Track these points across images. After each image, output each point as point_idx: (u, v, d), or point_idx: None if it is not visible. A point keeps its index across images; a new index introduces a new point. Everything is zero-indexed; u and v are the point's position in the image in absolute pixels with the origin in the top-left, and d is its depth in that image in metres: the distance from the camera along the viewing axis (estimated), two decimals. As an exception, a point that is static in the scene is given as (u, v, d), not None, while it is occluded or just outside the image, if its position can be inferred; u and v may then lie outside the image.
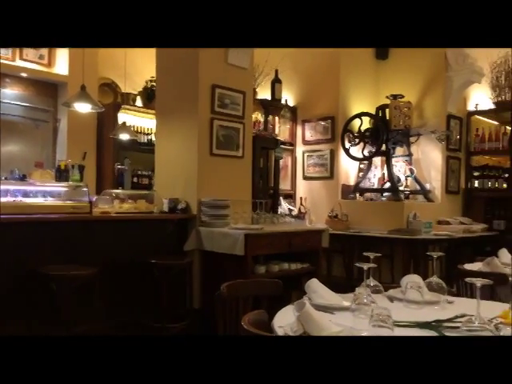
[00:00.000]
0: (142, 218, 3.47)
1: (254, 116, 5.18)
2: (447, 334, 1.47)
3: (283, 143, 5.37)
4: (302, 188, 5.71)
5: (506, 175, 5.30)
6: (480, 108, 5.60)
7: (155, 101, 4.28)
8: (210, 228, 3.55)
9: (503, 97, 5.40)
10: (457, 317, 1.59)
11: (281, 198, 5.32)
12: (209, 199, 3.62)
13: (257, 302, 2.16)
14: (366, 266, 1.66)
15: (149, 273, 3.26)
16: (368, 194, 5.28)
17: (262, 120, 5.23)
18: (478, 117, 5.66)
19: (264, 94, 5.23)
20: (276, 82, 5.18)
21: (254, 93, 4.98)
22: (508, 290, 2.42)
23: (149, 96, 5.60)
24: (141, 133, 5.61)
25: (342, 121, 5.30)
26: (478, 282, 1.33)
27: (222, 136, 3.79)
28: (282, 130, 5.60)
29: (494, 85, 5.43)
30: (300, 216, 5.29)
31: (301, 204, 5.45)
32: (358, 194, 5.31)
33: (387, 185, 5.14)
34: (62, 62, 5.43)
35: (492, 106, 5.50)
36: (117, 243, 3.28)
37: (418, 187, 5.17)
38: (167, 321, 3.21)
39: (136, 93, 5.80)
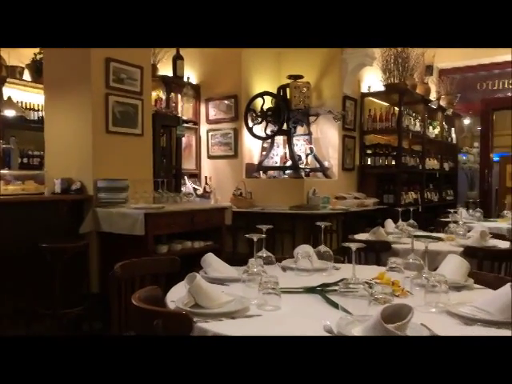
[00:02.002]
0: (31, 200, 3.22)
1: (155, 93, 5.03)
2: (330, 296, 1.57)
3: (186, 121, 5.30)
4: (207, 167, 5.70)
5: (395, 153, 5.75)
6: (372, 90, 5.99)
7: (43, 74, 3.96)
8: (108, 209, 3.40)
9: (392, 79, 5.81)
10: (340, 280, 1.70)
11: (186, 177, 5.27)
12: (105, 179, 3.46)
13: (156, 282, 2.12)
14: (255, 238, 1.71)
15: (41, 257, 3.06)
16: (271, 172, 5.43)
17: (163, 97, 5.09)
18: (370, 98, 6.05)
19: (165, 70, 5.08)
20: (177, 59, 5.07)
21: (155, 69, 4.82)
22: (390, 255, 2.64)
23: (38, 69, 5.14)
24: (30, 109, 5.16)
25: (245, 100, 5.35)
26: (353, 245, 1.43)
27: (118, 112, 3.62)
28: (185, 108, 5.50)
29: (384, 68, 5.82)
30: (205, 195, 5.29)
31: (206, 183, 5.45)
32: (261, 172, 5.43)
33: (289, 163, 5.32)
34: None
35: (382, 88, 5.91)
36: (2, 227, 3.02)
37: (317, 165, 5.42)
38: (62, 307, 3.05)
39: (23, 66, 5.31)
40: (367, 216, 5.29)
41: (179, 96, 5.28)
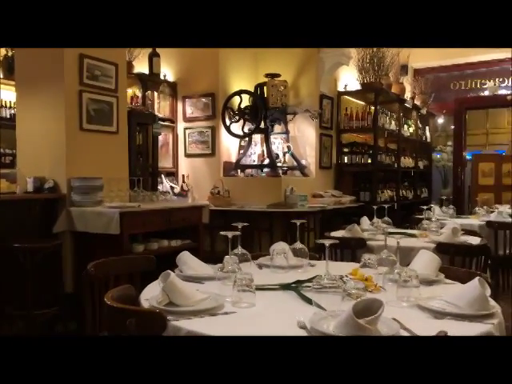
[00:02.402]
0: (2, 199, 3.14)
1: (131, 91, 4.97)
2: (304, 292, 1.59)
3: (163, 119, 5.25)
4: (185, 165, 5.66)
5: (371, 151, 5.83)
6: (349, 89, 6.04)
7: (15, 71, 3.86)
8: (82, 208, 3.35)
9: (368, 79, 5.88)
10: (315, 277, 1.72)
11: (163, 175, 5.22)
12: (79, 177, 3.41)
13: (131, 281, 2.10)
14: (230, 235, 1.71)
15: (13, 258, 2.99)
16: (248, 171, 5.43)
17: (139, 95, 5.04)
18: (346, 97, 6.10)
19: (141, 67, 5.02)
20: (154, 56, 5.02)
21: (130, 66, 4.75)
22: (366, 251, 2.67)
23: (10, 66, 5.01)
24: (2, 106, 5.03)
25: (223, 98, 5.33)
26: (326, 242, 1.45)
27: (92, 110, 3.56)
28: (162, 105, 5.45)
29: (360, 67, 5.89)
30: (182, 194, 5.25)
31: (183, 181, 5.41)
32: (239, 171, 5.42)
33: (266, 161, 5.33)
34: None
35: (359, 87, 5.97)
36: (-28, 228, 2.94)
37: (294, 163, 5.44)
38: (36, 307, 2.99)
39: (-6, 62, 5.17)
40: (344, 213, 5.35)
41: (155, 93, 5.22)
